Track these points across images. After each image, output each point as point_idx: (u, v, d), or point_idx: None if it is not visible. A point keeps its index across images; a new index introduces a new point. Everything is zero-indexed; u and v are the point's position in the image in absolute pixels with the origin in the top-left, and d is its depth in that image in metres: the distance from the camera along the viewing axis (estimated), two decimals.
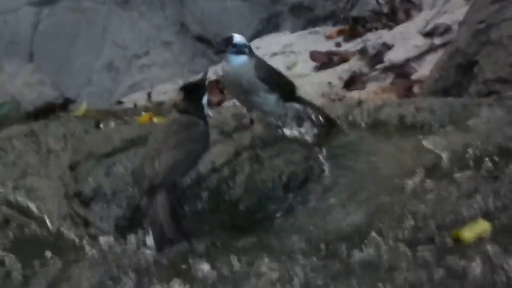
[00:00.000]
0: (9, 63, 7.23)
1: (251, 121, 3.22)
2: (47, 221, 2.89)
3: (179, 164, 2.66)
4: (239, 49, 2.99)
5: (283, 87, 3.12)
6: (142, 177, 2.65)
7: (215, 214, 2.83)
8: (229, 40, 2.99)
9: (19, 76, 7.03)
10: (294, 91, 3.20)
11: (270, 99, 3.06)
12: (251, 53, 3.03)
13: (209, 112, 2.81)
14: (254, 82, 3.01)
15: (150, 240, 2.63)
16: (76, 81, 7.42)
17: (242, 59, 3.00)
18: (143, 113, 3.52)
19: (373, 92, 4.91)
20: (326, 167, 2.97)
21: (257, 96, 3.04)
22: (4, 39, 7.48)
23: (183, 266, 2.53)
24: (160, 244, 2.58)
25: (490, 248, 2.46)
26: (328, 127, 3.27)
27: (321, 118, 3.27)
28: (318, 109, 3.28)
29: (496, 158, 2.89)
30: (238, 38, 3.00)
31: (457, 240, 2.55)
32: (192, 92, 2.78)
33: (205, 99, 2.78)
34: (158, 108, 4.35)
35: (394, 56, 5.28)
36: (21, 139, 3.24)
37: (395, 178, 2.91)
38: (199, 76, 2.97)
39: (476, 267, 2.40)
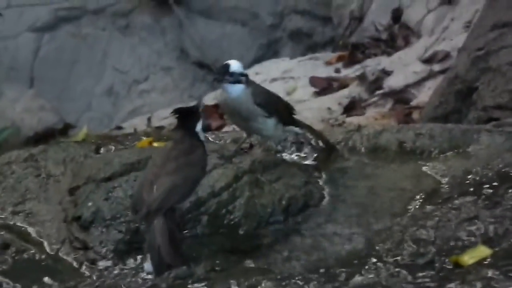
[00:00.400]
0: (10, 89, 7.25)
1: (251, 146, 3.23)
2: (46, 245, 2.88)
3: (177, 189, 2.66)
4: (236, 78, 2.99)
5: (282, 111, 3.13)
6: (140, 202, 2.65)
7: (214, 238, 2.82)
8: (225, 69, 2.99)
9: (19, 102, 7.05)
10: (293, 115, 3.20)
11: (269, 124, 3.07)
12: (248, 81, 3.02)
13: (203, 137, 2.80)
14: (252, 109, 3.02)
15: (148, 265, 2.63)
16: (76, 107, 7.45)
17: (239, 88, 3.00)
18: (143, 138, 3.52)
19: (373, 117, 4.93)
20: (326, 192, 2.96)
21: (255, 122, 3.05)
22: (5, 65, 7.51)
23: None
24: (159, 269, 2.57)
25: (490, 273, 2.45)
26: (328, 152, 3.27)
27: (320, 143, 3.27)
28: (317, 134, 3.28)
29: (496, 184, 2.89)
30: (234, 66, 2.99)
31: (457, 266, 2.54)
32: (186, 117, 2.79)
33: (199, 126, 2.78)
34: (158, 133, 4.36)
35: (393, 82, 5.30)
36: (21, 164, 3.25)
37: (395, 203, 2.91)
38: (193, 103, 2.98)
39: None
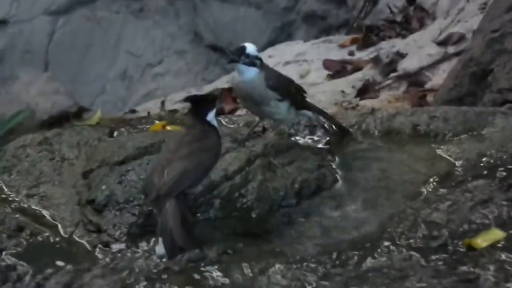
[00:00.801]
0: (24, 72, 7.28)
1: (264, 129, 3.22)
2: (60, 228, 2.90)
3: (189, 174, 2.66)
4: (251, 61, 2.99)
5: (295, 95, 3.12)
6: (150, 185, 2.66)
7: (227, 221, 2.83)
8: (242, 50, 2.99)
9: (34, 85, 7.08)
10: (305, 98, 3.20)
11: (281, 108, 3.06)
12: (262, 65, 3.02)
13: (216, 124, 2.80)
14: (265, 93, 3.01)
15: (159, 249, 2.64)
16: (90, 90, 7.46)
17: (253, 71, 2.99)
18: (157, 122, 3.52)
19: (386, 100, 4.90)
20: (339, 175, 2.96)
21: (268, 106, 3.04)
22: (20, 48, 7.53)
23: (195, 274, 2.53)
24: (171, 252, 2.59)
25: (504, 256, 2.44)
26: (341, 135, 3.26)
27: (333, 126, 3.26)
28: (329, 117, 3.28)
29: (510, 167, 2.87)
30: (250, 48, 3.00)
31: (470, 249, 2.53)
32: (199, 105, 2.79)
33: (212, 114, 2.78)
34: (171, 117, 4.36)
35: (407, 65, 5.27)
36: (35, 147, 3.26)
37: (409, 186, 2.90)
38: (210, 88, 2.99)
39: (490, 276, 2.38)
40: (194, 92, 5.72)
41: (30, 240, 2.84)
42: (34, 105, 6.78)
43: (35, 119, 6.53)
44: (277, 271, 2.49)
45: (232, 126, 3.40)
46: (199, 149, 2.71)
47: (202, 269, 2.55)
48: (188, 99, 2.82)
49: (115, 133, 3.39)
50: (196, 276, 2.52)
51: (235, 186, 2.90)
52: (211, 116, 2.79)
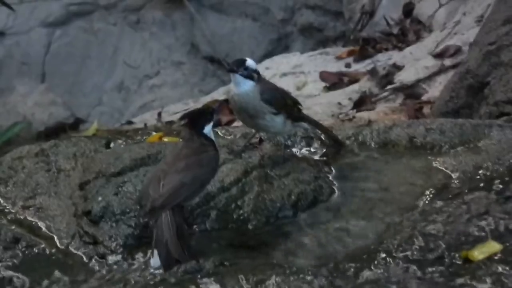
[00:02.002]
0: (21, 84, 7.28)
1: (260, 141, 3.22)
2: (56, 240, 2.89)
3: (184, 188, 2.66)
4: (249, 73, 3.00)
5: (291, 107, 3.12)
6: (146, 197, 2.66)
7: (223, 233, 2.83)
8: (241, 62, 3.00)
9: (30, 97, 7.08)
10: (301, 110, 3.20)
11: (276, 121, 3.06)
12: (259, 79, 3.03)
13: (213, 137, 2.80)
14: (259, 107, 3.02)
15: (154, 261, 2.63)
16: (87, 101, 7.47)
17: (249, 84, 3.00)
18: (153, 133, 3.52)
19: (383, 112, 4.91)
20: (336, 187, 2.96)
21: (263, 119, 3.05)
22: (17, 60, 7.54)
23: (192, 285, 2.52)
24: (167, 264, 2.58)
25: (500, 269, 2.44)
26: (336, 148, 3.26)
27: (328, 139, 3.27)
28: (325, 130, 3.28)
29: (507, 179, 2.88)
30: (250, 62, 3.02)
31: (467, 261, 2.53)
32: (195, 119, 2.79)
33: (208, 128, 2.78)
34: (168, 128, 4.36)
35: (404, 77, 5.28)
36: (32, 158, 3.26)
37: (405, 198, 2.90)
38: (207, 99, 2.99)
39: None
40: (191, 103, 5.72)
41: (26, 251, 2.83)
42: (30, 116, 6.78)
43: (32, 131, 6.53)
44: (274, 283, 2.49)
45: (229, 137, 3.40)
46: (196, 163, 2.71)
47: (199, 280, 2.54)
48: (184, 116, 2.83)
49: (112, 144, 3.38)
50: None
51: (231, 198, 2.89)
52: (208, 129, 2.79)
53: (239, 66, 2.99)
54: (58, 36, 7.67)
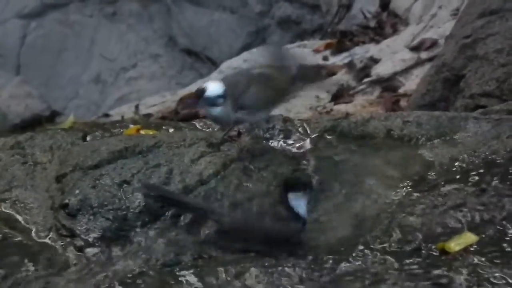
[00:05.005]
0: None
1: (239, 133, 3.22)
2: (33, 233, 2.87)
3: None
4: (212, 102, 2.95)
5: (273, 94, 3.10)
6: None
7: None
8: (201, 94, 2.96)
9: (6, 89, 7.02)
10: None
11: (257, 115, 3.06)
12: (225, 100, 2.96)
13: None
14: (235, 118, 3.00)
15: None
16: (63, 94, 7.42)
17: (217, 110, 2.97)
18: (131, 126, 3.51)
19: (360, 105, 4.93)
20: (314, 179, 2.97)
21: (243, 120, 3.05)
22: None
23: (170, 278, 2.52)
24: None
25: (476, 260, 2.47)
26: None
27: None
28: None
29: (482, 171, 2.90)
30: (210, 90, 2.94)
31: (444, 252, 2.55)
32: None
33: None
34: (145, 121, 4.34)
35: (381, 70, 5.31)
36: (7, 151, 3.23)
37: (382, 191, 2.92)
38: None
39: (463, 279, 2.40)
40: (168, 96, 5.71)
41: (2, 244, 2.81)
42: (6, 108, 6.72)
43: (7, 123, 6.47)
44: (252, 275, 2.49)
45: (207, 130, 3.40)
46: None
47: (177, 273, 2.54)
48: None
49: (89, 137, 3.36)
50: (171, 281, 2.51)
51: (210, 190, 2.89)
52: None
53: (200, 97, 2.93)
54: (34, 28, 7.61)
